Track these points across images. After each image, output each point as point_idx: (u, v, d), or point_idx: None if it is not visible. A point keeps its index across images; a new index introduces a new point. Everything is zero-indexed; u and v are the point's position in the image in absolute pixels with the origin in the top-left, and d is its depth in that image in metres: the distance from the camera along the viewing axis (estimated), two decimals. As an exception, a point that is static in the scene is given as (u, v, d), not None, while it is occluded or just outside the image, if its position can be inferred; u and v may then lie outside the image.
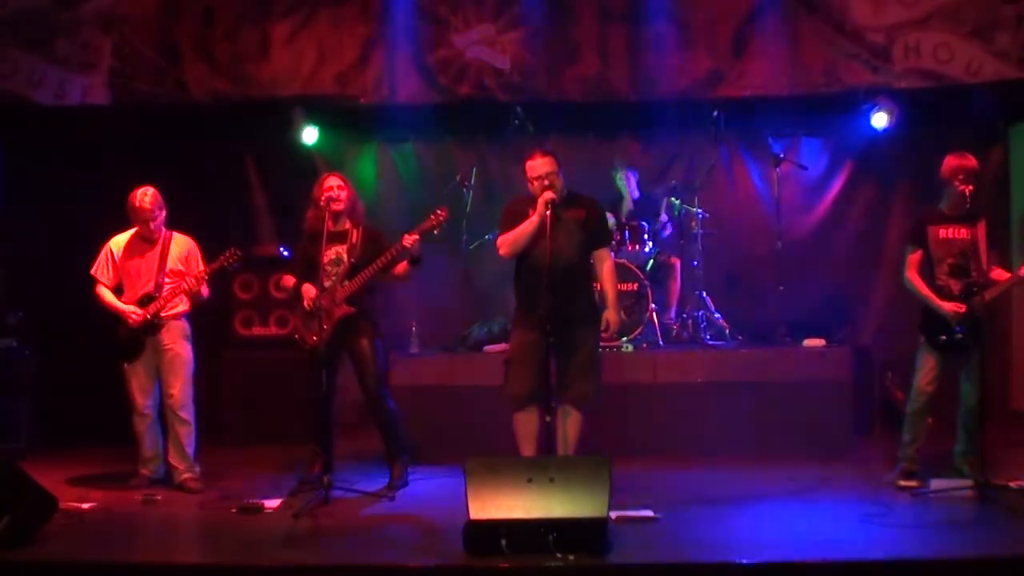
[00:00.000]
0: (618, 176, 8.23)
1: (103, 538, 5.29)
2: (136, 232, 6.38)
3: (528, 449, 5.70)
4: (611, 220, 7.91)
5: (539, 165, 5.68)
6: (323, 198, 6.14)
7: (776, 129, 8.59)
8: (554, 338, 5.43)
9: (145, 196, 6.28)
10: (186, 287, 6.24)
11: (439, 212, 6.04)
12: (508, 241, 5.75)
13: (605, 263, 5.84)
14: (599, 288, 5.92)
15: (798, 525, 5.30)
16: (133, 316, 6.22)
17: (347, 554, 4.99)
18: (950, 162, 5.94)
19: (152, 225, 6.30)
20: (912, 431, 6.05)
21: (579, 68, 7.79)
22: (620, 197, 8.20)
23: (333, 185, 6.20)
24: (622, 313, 7.37)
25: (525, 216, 5.68)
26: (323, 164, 8.51)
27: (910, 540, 4.96)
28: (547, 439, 5.52)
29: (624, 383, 7.05)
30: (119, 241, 6.41)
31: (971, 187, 5.82)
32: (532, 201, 5.72)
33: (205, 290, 6.39)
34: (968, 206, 5.87)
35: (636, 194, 8.25)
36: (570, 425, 5.67)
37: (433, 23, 7.81)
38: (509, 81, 7.82)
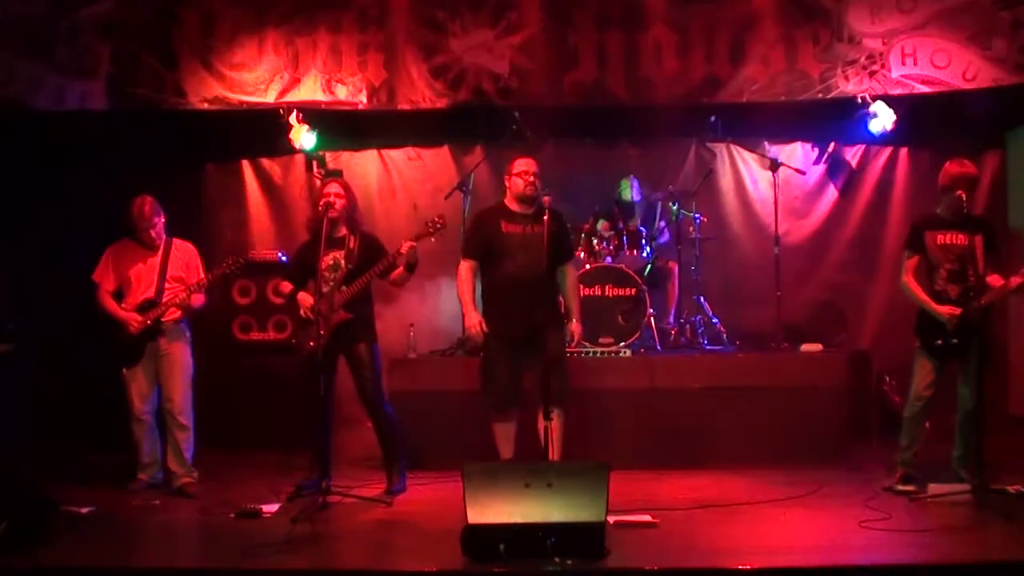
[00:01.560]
0: (624, 183, 8.25)
1: (102, 543, 5.30)
2: (137, 238, 6.38)
3: (507, 452, 6.03)
4: (606, 225, 7.96)
5: (526, 163, 6.05)
6: (320, 203, 6.16)
7: (773, 134, 8.59)
8: (524, 346, 5.84)
9: (143, 205, 6.30)
10: (178, 300, 6.24)
11: (436, 219, 6.07)
12: (458, 282, 6.09)
13: (570, 276, 6.21)
14: (563, 299, 6.21)
15: (796, 530, 5.31)
16: (133, 324, 6.23)
17: (345, 559, 5.00)
18: (950, 170, 5.93)
19: (152, 233, 6.32)
20: (909, 436, 6.05)
21: (577, 74, 7.79)
22: (621, 203, 8.20)
23: (331, 192, 6.24)
24: (620, 318, 7.45)
25: (494, 232, 5.99)
26: (321, 170, 8.52)
27: (908, 545, 4.96)
28: (545, 442, 5.57)
29: (622, 388, 7.08)
30: (120, 247, 6.42)
31: (969, 194, 5.84)
32: (501, 212, 6.07)
33: (196, 300, 6.37)
34: (966, 212, 5.88)
35: (637, 199, 8.26)
36: (553, 424, 5.75)
37: (431, 29, 7.81)
38: (507, 87, 7.81)
